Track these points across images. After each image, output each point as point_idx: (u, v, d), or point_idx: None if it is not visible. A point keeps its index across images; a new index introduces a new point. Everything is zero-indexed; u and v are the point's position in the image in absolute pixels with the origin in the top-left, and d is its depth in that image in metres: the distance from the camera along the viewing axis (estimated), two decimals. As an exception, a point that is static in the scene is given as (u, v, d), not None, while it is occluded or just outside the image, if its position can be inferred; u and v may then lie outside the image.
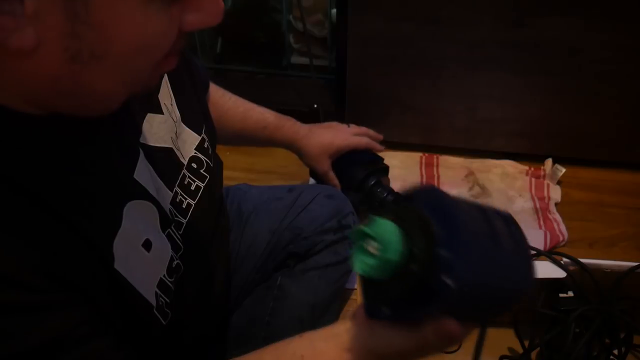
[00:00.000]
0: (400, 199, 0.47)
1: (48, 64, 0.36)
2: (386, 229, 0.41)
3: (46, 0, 0.33)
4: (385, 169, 1.15)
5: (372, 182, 1.11)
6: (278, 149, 1.34)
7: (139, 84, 0.42)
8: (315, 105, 1.30)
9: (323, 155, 0.95)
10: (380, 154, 1.17)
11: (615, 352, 0.76)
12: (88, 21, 0.34)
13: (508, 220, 0.46)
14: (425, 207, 0.43)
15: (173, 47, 0.41)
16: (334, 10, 1.23)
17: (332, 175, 0.96)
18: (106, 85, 0.39)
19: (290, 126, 0.93)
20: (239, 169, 1.28)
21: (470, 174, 1.27)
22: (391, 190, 1.11)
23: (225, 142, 0.85)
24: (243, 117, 0.83)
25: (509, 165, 1.29)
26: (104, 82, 0.39)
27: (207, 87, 0.78)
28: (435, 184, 1.25)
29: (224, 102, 0.85)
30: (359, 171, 1.10)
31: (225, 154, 1.30)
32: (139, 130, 0.53)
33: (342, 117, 1.28)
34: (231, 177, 1.12)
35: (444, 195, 0.43)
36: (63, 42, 0.35)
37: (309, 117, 1.31)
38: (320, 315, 0.84)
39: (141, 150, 0.52)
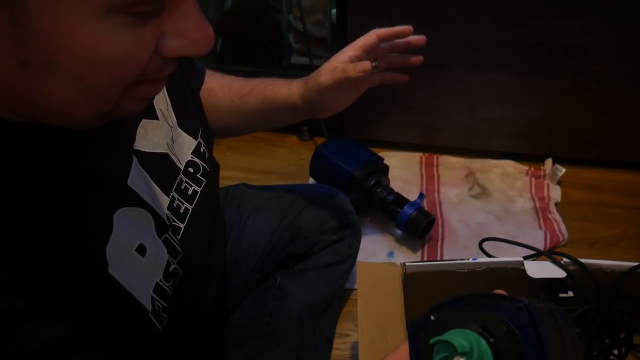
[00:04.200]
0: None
1: None
2: (480, 349, 0.40)
3: None
4: (385, 169, 1.15)
5: (372, 182, 1.11)
6: (278, 149, 1.35)
7: (106, 104, 0.39)
8: (315, 105, 1.29)
9: (331, 69, 0.71)
10: (380, 154, 1.17)
11: (615, 352, 0.76)
12: (30, 28, 0.33)
13: (565, 318, 0.45)
14: (510, 319, 0.41)
15: (152, 72, 0.39)
16: (334, 10, 1.23)
17: (337, 73, 0.70)
18: (64, 98, 0.37)
19: (282, 80, 0.77)
20: (239, 169, 1.28)
21: (470, 174, 1.27)
22: (391, 190, 1.11)
23: (234, 130, 0.81)
24: (229, 88, 0.77)
25: (509, 165, 1.29)
26: (61, 95, 0.37)
27: (201, 84, 0.76)
28: (435, 184, 1.25)
29: (213, 87, 0.79)
30: (359, 171, 1.10)
31: (225, 154, 1.31)
32: (132, 137, 0.53)
33: (342, 117, 1.28)
34: (231, 177, 1.13)
35: (534, 315, 0.41)
36: (8, 46, 0.34)
37: (308, 117, 1.32)
38: (320, 315, 0.84)
39: (135, 157, 0.51)
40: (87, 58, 0.35)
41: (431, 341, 0.42)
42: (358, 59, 0.71)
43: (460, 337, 0.40)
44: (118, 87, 0.38)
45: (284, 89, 0.74)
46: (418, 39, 0.73)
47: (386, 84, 0.77)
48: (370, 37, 0.71)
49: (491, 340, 0.40)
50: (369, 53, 0.71)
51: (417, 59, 0.76)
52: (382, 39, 0.71)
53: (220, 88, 0.77)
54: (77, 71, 0.35)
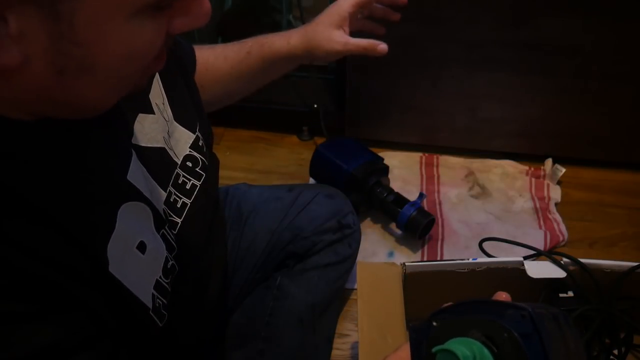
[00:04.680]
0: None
1: (36, 78, 0.37)
2: (483, 359, 0.40)
3: (31, 21, 0.34)
4: (385, 169, 1.15)
5: (372, 182, 1.11)
6: (278, 149, 1.35)
7: (130, 87, 0.43)
8: (315, 105, 1.30)
9: (330, 27, 0.77)
10: (380, 154, 1.17)
11: (615, 352, 0.76)
12: (74, 40, 0.35)
13: (568, 322, 0.45)
14: (513, 328, 0.41)
15: (161, 48, 0.42)
16: (334, 10, 1.23)
17: (353, 41, 0.77)
18: (98, 93, 0.40)
19: (273, 35, 0.80)
20: (238, 169, 1.28)
21: (470, 174, 1.27)
22: (391, 190, 1.11)
23: (238, 94, 0.84)
24: (224, 57, 0.80)
25: (509, 165, 1.29)
26: (96, 91, 0.40)
27: (194, 62, 0.76)
28: (435, 184, 1.25)
29: (207, 60, 0.80)
30: (359, 171, 1.10)
31: (225, 154, 1.31)
32: (130, 131, 0.53)
33: (342, 117, 1.28)
34: (231, 176, 1.13)
35: (538, 323, 0.40)
36: (49, 58, 0.36)
37: (309, 117, 1.32)
38: (320, 315, 0.84)
39: (133, 151, 0.52)
40: (122, 55, 0.38)
41: (434, 350, 0.41)
42: (355, 14, 0.78)
43: (463, 346, 0.40)
44: (141, 71, 0.42)
45: (284, 45, 0.78)
46: (402, 0, 0.82)
47: (364, 31, 0.83)
48: None
49: (494, 349, 0.40)
50: (362, 7, 0.79)
51: (395, 16, 0.83)
52: None
53: (215, 59, 0.79)
54: (114, 68, 0.38)
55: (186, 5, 0.41)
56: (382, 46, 0.77)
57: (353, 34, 0.79)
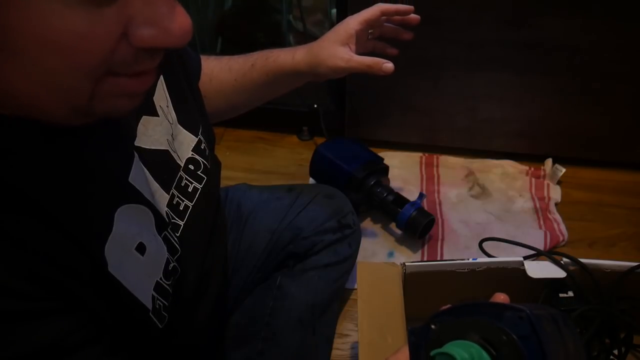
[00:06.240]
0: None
1: None
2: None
3: None
4: (385, 169, 1.15)
5: (372, 182, 1.11)
6: (278, 149, 1.35)
7: (77, 96, 0.36)
8: (315, 105, 1.30)
9: (335, 43, 0.76)
10: (380, 154, 1.17)
11: (615, 352, 0.76)
12: None
13: (567, 323, 0.45)
14: (512, 330, 0.41)
15: (125, 63, 0.36)
16: (334, 10, 1.23)
17: (357, 58, 0.75)
18: (24, 86, 0.35)
19: (279, 50, 0.80)
20: (238, 169, 1.28)
21: (470, 174, 1.27)
22: (391, 190, 1.11)
23: (241, 107, 0.84)
24: (229, 68, 0.79)
25: (509, 165, 1.29)
26: (21, 81, 0.34)
27: (199, 72, 0.76)
28: (435, 184, 1.25)
29: (212, 70, 0.79)
30: (359, 171, 1.10)
31: (225, 154, 1.32)
32: (133, 133, 0.53)
33: (342, 117, 1.28)
34: (231, 177, 1.13)
35: (536, 325, 0.40)
36: None
37: (309, 117, 1.32)
38: (320, 315, 0.84)
39: (136, 153, 0.51)
40: (36, 37, 0.32)
41: (432, 353, 0.41)
42: (362, 32, 0.77)
43: (462, 349, 0.40)
44: (84, 76, 0.35)
45: (288, 59, 0.77)
46: (413, 18, 0.80)
47: (376, 51, 0.82)
48: (374, 12, 0.77)
49: (492, 351, 0.40)
50: (371, 26, 0.78)
51: (408, 35, 0.82)
52: (384, 14, 0.77)
53: (220, 70, 0.79)
54: (28, 52, 0.33)
55: (148, 11, 0.34)
56: (388, 65, 0.75)
57: (365, 55, 0.77)
